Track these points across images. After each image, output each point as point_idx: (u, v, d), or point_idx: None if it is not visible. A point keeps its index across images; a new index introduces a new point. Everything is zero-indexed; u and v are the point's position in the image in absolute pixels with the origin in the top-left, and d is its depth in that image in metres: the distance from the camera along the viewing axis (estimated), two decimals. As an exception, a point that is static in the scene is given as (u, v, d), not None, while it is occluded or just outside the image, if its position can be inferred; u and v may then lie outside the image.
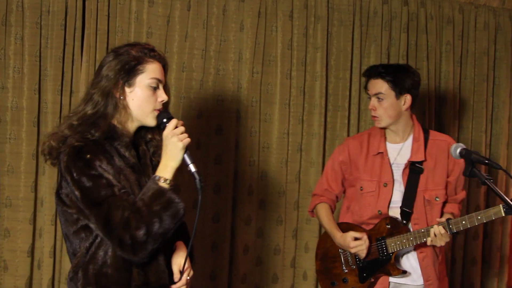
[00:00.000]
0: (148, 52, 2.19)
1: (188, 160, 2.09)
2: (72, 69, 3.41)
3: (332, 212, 3.27)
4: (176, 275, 2.20)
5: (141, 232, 1.96)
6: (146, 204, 2.00)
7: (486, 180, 2.17)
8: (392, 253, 2.97)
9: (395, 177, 3.04)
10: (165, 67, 2.25)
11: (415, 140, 3.06)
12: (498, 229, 4.36)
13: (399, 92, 3.00)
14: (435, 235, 2.81)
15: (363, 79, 3.96)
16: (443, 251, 3.13)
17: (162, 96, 2.19)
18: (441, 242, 2.82)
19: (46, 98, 3.38)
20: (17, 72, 3.32)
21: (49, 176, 3.37)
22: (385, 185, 3.03)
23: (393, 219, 2.99)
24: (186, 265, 2.20)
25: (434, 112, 4.19)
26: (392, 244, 2.96)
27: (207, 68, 3.68)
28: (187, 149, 2.09)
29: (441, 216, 3.02)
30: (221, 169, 3.71)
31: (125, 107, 2.16)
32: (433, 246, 2.95)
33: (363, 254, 2.97)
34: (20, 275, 3.34)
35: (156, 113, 2.19)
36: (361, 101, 4.02)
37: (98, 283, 2.07)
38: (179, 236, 2.29)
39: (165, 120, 2.14)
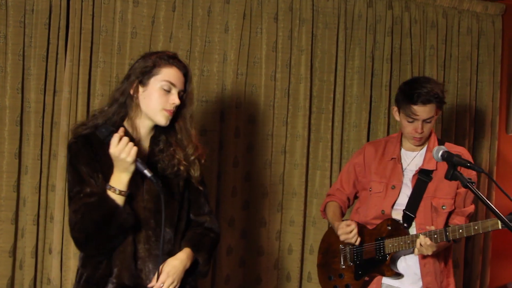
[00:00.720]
0: (168, 58, 2.31)
1: (141, 168, 2.14)
2: (55, 68, 3.40)
3: (342, 212, 3.28)
4: (153, 281, 2.25)
5: (81, 235, 2.15)
6: (90, 211, 2.13)
7: (468, 183, 2.17)
8: (389, 254, 2.98)
9: (404, 181, 3.06)
10: (186, 76, 2.35)
11: (429, 150, 3.06)
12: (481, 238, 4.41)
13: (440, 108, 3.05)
14: (420, 244, 2.81)
15: (348, 82, 4.03)
16: (450, 260, 3.11)
17: (174, 99, 2.28)
18: (427, 252, 2.81)
19: (29, 97, 3.36)
20: (0, 71, 3.31)
21: (31, 176, 3.36)
22: (393, 187, 3.05)
23: (394, 221, 3.00)
24: (162, 276, 2.23)
25: (418, 115, 4.22)
26: (390, 245, 2.97)
27: (191, 69, 3.66)
28: (137, 158, 2.14)
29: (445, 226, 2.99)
30: (205, 170, 3.65)
31: (137, 105, 2.30)
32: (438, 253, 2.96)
33: (351, 240, 2.99)
34: (2, 275, 3.33)
35: (166, 113, 2.28)
36: (345, 104, 4.04)
37: (83, 263, 2.28)
38: (190, 243, 2.36)
39: (107, 135, 2.17)
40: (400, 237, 2.94)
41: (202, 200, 2.48)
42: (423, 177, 3.01)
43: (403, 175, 3.06)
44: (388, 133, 4.09)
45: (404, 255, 3.03)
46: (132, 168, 2.13)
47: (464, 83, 4.35)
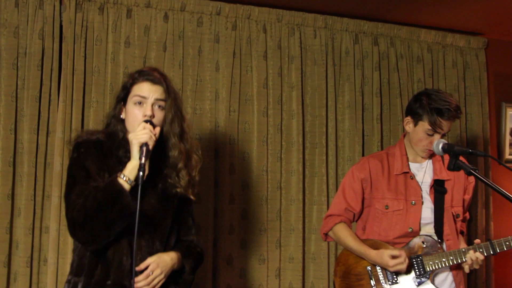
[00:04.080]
0: (138, 75, 2.34)
1: (142, 152, 2.14)
2: (48, 109, 3.42)
3: None
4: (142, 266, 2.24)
5: (80, 215, 2.10)
6: (95, 193, 2.13)
7: (471, 170, 2.18)
8: (431, 271, 2.93)
9: (423, 196, 3.03)
10: (163, 85, 2.32)
11: (435, 160, 3.07)
12: (482, 237, 4.38)
13: None
14: (471, 259, 2.82)
15: (339, 116, 4.06)
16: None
17: (144, 111, 2.27)
18: (476, 266, 2.84)
19: (22, 138, 3.36)
20: (-7, 113, 3.32)
21: (24, 217, 3.32)
22: (413, 203, 3.00)
23: (428, 238, 2.96)
24: (152, 265, 2.22)
25: (410, 147, 4.24)
26: (430, 263, 2.92)
27: (184, 108, 3.69)
28: (144, 146, 2.15)
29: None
30: (201, 208, 3.65)
31: (124, 123, 2.35)
32: None
33: (404, 270, 2.90)
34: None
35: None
36: (338, 138, 4.07)
37: (76, 271, 2.27)
38: (179, 249, 2.37)
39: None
40: (440, 254, 2.91)
41: (190, 222, 2.51)
42: (439, 188, 3.01)
43: (421, 189, 3.04)
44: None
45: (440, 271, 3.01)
46: (135, 151, 2.15)
47: (454, 115, 4.39)
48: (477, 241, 2.90)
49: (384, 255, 2.91)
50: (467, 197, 3.10)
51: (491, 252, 2.82)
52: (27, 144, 3.35)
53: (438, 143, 2.40)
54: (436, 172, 3.05)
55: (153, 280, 2.21)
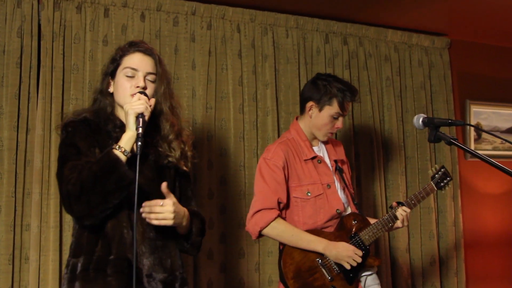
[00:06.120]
0: (129, 46, 2.36)
1: (139, 122, 2.15)
2: (28, 106, 3.42)
3: None
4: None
5: (75, 187, 2.06)
6: (90, 165, 2.10)
7: (452, 140, 2.28)
8: (369, 245, 3.03)
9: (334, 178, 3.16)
10: (154, 57, 2.35)
11: (324, 142, 3.23)
12: (452, 229, 4.56)
13: None
14: (402, 215, 3.03)
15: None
16: None
17: (137, 82, 2.30)
18: (406, 222, 3.08)
19: (2, 135, 3.35)
20: (-28, 111, 3.32)
21: (5, 214, 3.30)
22: (329, 186, 3.09)
23: (357, 214, 3.07)
24: (168, 200, 2.17)
25: (381, 143, 4.38)
26: (367, 237, 3.03)
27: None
28: (140, 116, 2.16)
29: None
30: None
31: (112, 97, 2.36)
32: None
33: (359, 260, 2.95)
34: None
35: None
36: (312, 134, 4.16)
37: (75, 253, 2.24)
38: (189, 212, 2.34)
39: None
40: (371, 226, 3.04)
41: (189, 193, 2.49)
42: (340, 168, 3.18)
43: (331, 172, 3.16)
44: (355, 156, 4.23)
45: None
46: (130, 121, 2.15)
47: (421, 111, 4.55)
48: (394, 204, 3.12)
49: (350, 248, 2.94)
50: (349, 176, 3.33)
51: (410, 207, 3.12)
52: (7, 141, 3.35)
53: (418, 118, 2.47)
54: (332, 153, 3.21)
55: (160, 212, 2.14)
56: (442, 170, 3.26)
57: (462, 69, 4.89)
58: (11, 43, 3.41)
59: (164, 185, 2.15)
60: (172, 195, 2.19)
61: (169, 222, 2.16)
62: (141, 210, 2.13)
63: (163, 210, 2.14)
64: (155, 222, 2.14)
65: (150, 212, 2.14)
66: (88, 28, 3.61)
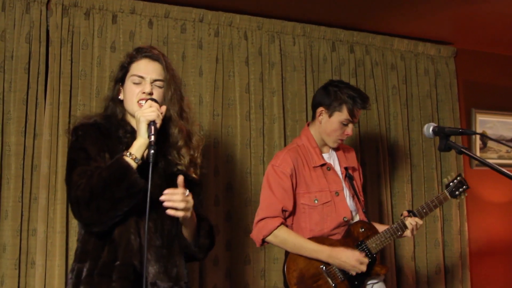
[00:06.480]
0: (136, 53, 2.36)
1: (147, 132, 2.14)
2: (35, 111, 3.43)
3: None
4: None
5: (84, 193, 2.04)
6: (100, 171, 2.09)
7: (462, 149, 2.28)
8: (376, 253, 3.03)
9: (343, 185, 3.15)
10: (161, 63, 2.34)
11: (335, 149, 3.23)
12: (457, 237, 4.54)
13: None
14: (411, 224, 3.03)
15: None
16: None
17: (143, 89, 2.29)
18: (415, 232, 3.06)
19: (10, 140, 3.36)
20: (-20, 116, 3.33)
21: (12, 219, 3.30)
22: (337, 194, 3.08)
23: (365, 223, 3.06)
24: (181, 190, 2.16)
25: (387, 151, 4.38)
26: (374, 245, 3.03)
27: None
28: (152, 124, 2.14)
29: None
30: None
31: (121, 103, 2.36)
32: None
33: (364, 269, 2.95)
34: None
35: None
36: (318, 142, 4.16)
37: (80, 258, 2.22)
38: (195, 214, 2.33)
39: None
40: (378, 235, 3.04)
41: (196, 201, 2.43)
42: (350, 175, 3.17)
43: (340, 179, 3.15)
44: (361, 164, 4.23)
45: None
46: (142, 129, 2.13)
47: (427, 120, 4.55)
48: (405, 213, 3.10)
49: (355, 255, 2.93)
50: (360, 183, 3.31)
51: (422, 216, 3.11)
52: (14, 146, 3.36)
53: (429, 127, 2.46)
54: (342, 160, 3.19)
55: (178, 194, 2.13)
56: (459, 178, 3.24)
57: (468, 78, 4.90)
58: (19, 48, 3.42)
59: (180, 178, 2.16)
60: (186, 189, 2.18)
61: (181, 204, 2.14)
62: (161, 198, 2.11)
63: (181, 193, 2.14)
64: (167, 204, 2.13)
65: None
66: (96, 34, 3.62)
